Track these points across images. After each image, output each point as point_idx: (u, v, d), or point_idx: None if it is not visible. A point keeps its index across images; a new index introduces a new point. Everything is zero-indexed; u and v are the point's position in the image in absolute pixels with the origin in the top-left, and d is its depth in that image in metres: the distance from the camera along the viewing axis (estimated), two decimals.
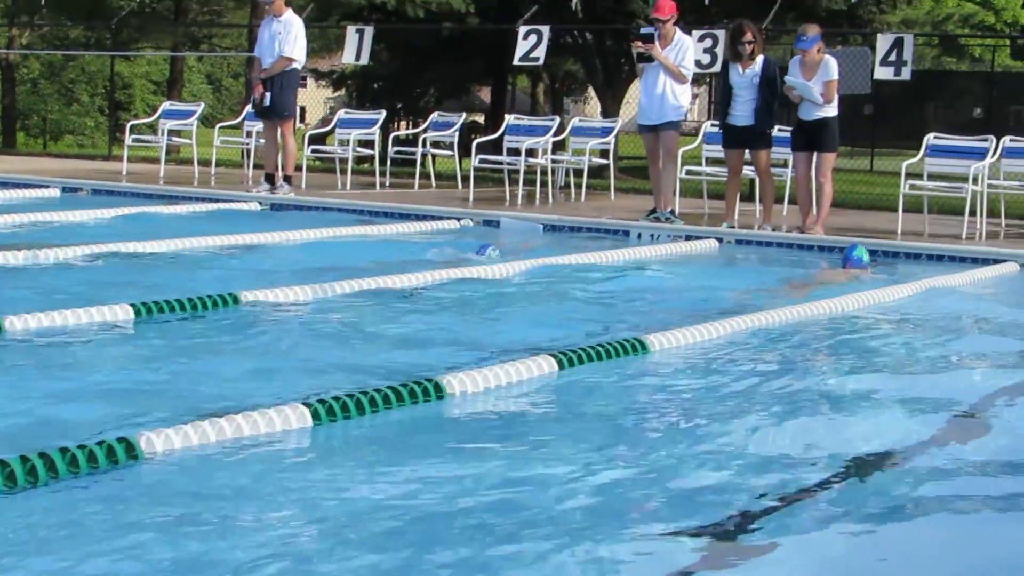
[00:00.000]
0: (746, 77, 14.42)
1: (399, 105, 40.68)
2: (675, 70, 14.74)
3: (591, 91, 45.50)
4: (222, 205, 16.04)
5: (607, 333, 8.71)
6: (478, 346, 8.26)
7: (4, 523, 4.64)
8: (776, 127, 15.20)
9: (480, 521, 4.88)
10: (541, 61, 21.13)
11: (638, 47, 14.93)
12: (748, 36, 14.39)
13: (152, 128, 21.56)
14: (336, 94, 53.19)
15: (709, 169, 15.92)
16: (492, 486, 5.32)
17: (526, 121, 19.26)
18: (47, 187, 17.58)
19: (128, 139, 20.19)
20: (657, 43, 14.83)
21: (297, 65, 16.90)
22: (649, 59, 14.82)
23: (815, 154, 14.28)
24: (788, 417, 6.70)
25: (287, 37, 16.68)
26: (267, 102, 16.69)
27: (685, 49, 14.90)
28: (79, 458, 5.22)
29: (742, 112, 14.52)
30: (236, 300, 9.13)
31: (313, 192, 17.41)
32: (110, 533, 4.58)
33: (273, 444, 5.79)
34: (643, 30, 15.12)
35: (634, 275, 11.88)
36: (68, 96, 58.16)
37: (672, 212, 14.89)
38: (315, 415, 6.10)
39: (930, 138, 15.43)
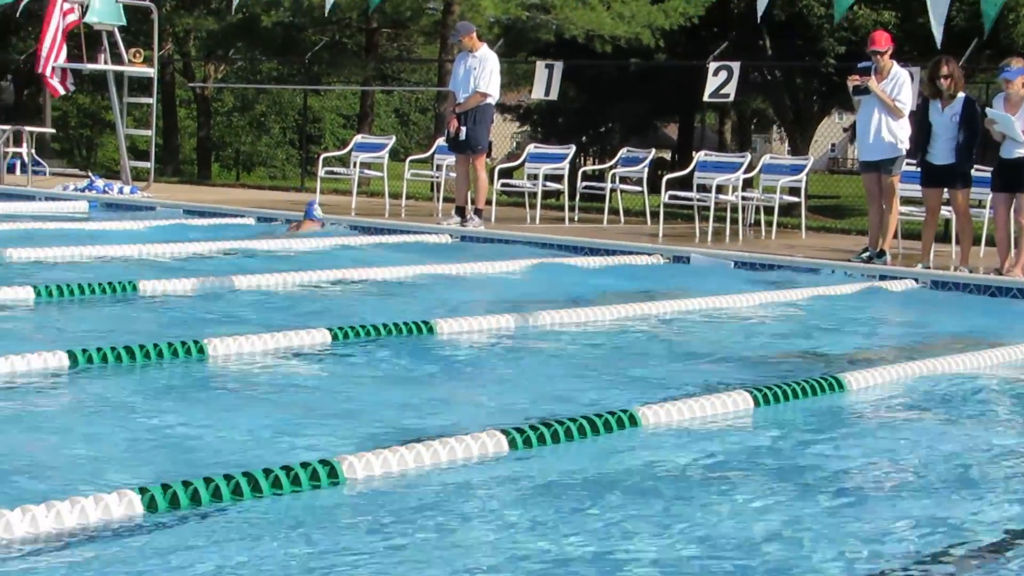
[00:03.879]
0: (946, 115, 14.16)
1: (584, 140, 40.80)
2: (890, 104, 14.52)
3: (779, 128, 45.27)
4: (414, 237, 16.18)
5: (801, 371, 8.61)
6: (670, 379, 8.23)
7: (213, 540, 4.71)
8: (975, 167, 14.90)
9: (679, 555, 4.85)
10: (731, 98, 21.06)
11: (854, 80, 14.76)
12: (945, 71, 14.13)
13: (342, 161, 21.83)
14: (522, 129, 53.60)
15: (904, 208, 15.67)
16: (687, 519, 5.28)
17: (716, 158, 19.16)
18: (243, 216, 17.91)
19: (320, 171, 20.47)
20: (873, 76, 14.66)
21: (491, 100, 17.01)
22: (865, 91, 14.66)
23: (1016, 195, 13.97)
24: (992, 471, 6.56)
25: (482, 72, 16.78)
26: (462, 136, 16.81)
27: (901, 83, 14.65)
28: (282, 479, 5.29)
29: (942, 151, 14.24)
30: (431, 328, 9.21)
31: (502, 225, 17.48)
32: (309, 554, 4.63)
33: (469, 471, 5.81)
34: (860, 64, 14.94)
35: (827, 313, 11.74)
36: (260, 129, 59.25)
37: (882, 252, 14.66)
38: (512, 443, 6.12)
39: None
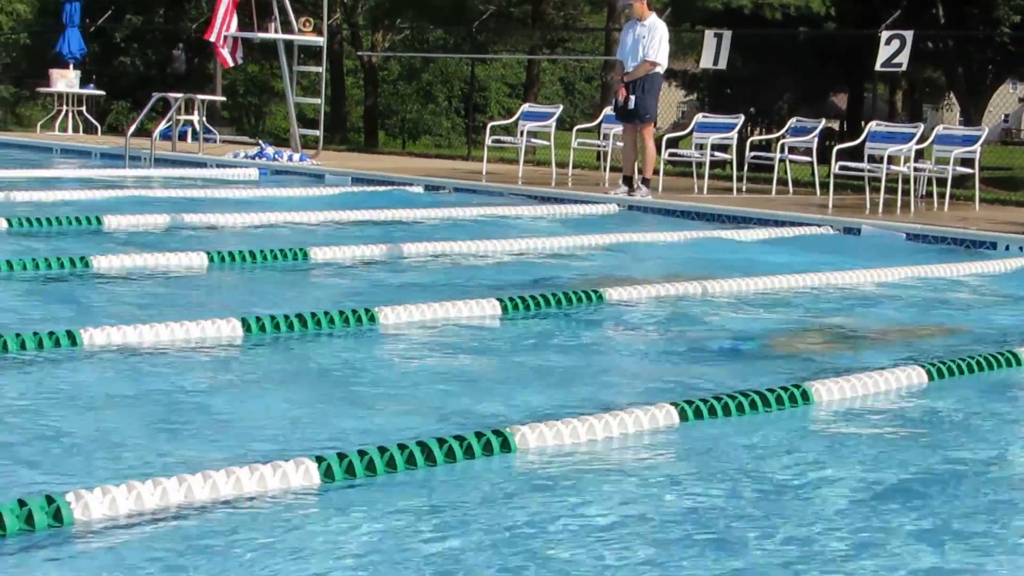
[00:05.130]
0: None
1: (752, 109, 40.47)
2: None
3: (950, 98, 44.50)
4: (582, 207, 16.17)
5: (976, 345, 8.45)
6: (841, 354, 8.12)
7: (386, 510, 4.75)
8: None
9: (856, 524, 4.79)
10: (904, 67, 20.69)
11: None
12: None
13: (508, 130, 21.87)
14: (688, 98, 53.33)
15: None
16: (856, 495, 5.21)
17: (887, 128, 18.83)
18: (411, 185, 18.03)
19: (488, 140, 20.51)
20: None
21: (660, 69, 16.90)
22: None
23: None
24: None
25: (651, 41, 16.67)
26: (631, 105, 16.73)
27: None
28: (456, 449, 5.31)
29: None
30: (601, 299, 9.19)
31: (670, 195, 17.38)
32: (482, 524, 4.64)
33: (640, 443, 5.79)
34: None
35: (1002, 288, 11.52)
36: (426, 97, 59.67)
37: None
38: (682, 415, 6.08)
39: None
